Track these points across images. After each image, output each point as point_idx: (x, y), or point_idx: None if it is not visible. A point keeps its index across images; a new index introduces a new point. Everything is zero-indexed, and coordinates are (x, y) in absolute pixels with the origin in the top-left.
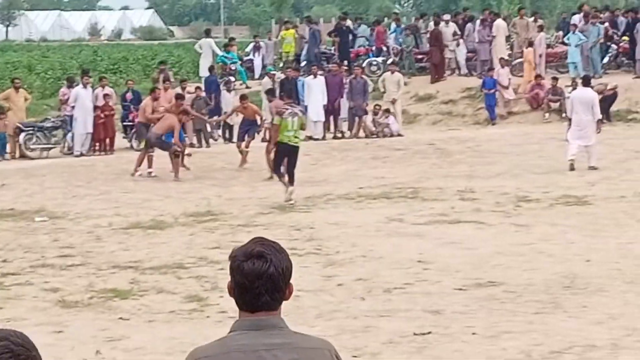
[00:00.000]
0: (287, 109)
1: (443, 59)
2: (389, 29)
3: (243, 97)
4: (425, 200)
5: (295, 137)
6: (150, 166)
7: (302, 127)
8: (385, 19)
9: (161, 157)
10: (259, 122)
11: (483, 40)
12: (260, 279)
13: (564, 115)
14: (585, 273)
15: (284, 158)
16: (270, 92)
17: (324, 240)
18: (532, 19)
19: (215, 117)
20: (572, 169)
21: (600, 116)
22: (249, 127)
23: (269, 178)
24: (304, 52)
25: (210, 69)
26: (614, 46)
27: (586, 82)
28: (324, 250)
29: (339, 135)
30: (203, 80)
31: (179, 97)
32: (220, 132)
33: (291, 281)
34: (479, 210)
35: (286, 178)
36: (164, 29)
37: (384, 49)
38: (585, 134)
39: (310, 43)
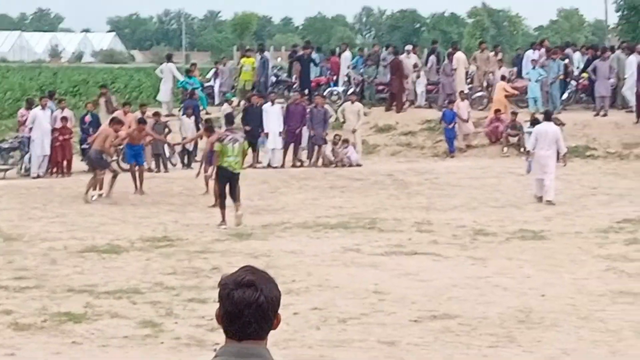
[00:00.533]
0: (227, 135)
1: (402, 89)
2: (351, 60)
3: (207, 122)
4: (382, 231)
5: (236, 163)
6: (101, 188)
7: (244, 153)
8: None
9: (124, 181)
10: None
11: (448, 73)
12: (249, 308)
13: (522, 149)
14: (540, 308)
15: (225, 183)
16: (228, 117)
17: (280, 268)
18: (493, 52)
19: (176, 142)
20: (539, 201)
21: (566, 150)
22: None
23: (213, 205)
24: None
25: (192, 93)
26: (573, 82)
27: (547, 117)
28: (280, 279)
29: (298, 164)
30: (183, 105)
31: (142, 121)
32: (178, 157)
33: (279, 311)
34: (435, 242)
35: (225, 210)
36: (125, 52)
37: (345, 78)
38: (546, 168)
39: (258, 72)
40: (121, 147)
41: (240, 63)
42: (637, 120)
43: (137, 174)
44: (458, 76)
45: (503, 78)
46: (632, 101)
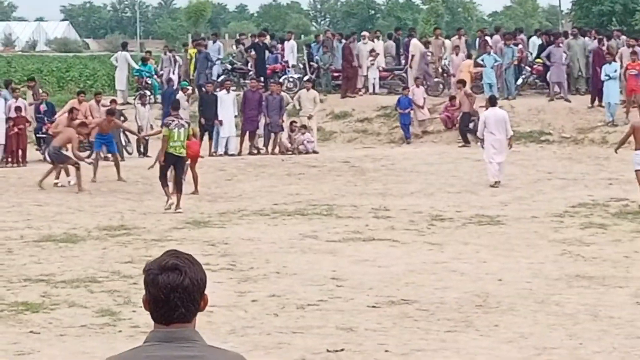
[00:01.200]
0: (173, 120)
1: (355, 75)
2: (310, 47)
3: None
4: (339, 217)
5: (182, 147)
6: (57, 177)
7: (189, 138)
8: (302, 36)
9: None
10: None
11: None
12: (175, 292)
13: (477, 135)
14: (497, 292)
15: (169, 167)
16: (174, 103)
17: (238, 256)
18: (454, 37)
19: (143, 133)
20: (495, 186)
21: (512, 133)
22: None
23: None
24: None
25: (168, 81)
26: (527, 68)
27: (494, 102)
28: (238, 266)
29: (255, 151)
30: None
31: (110, 112)
32: (135, 145)
33: (206, 292)
34: (392, 228)
35: (169, 189)
36: (79, 41)
37: (300, 65)
38: (500, 152)
39: (200, 66)
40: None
41: (189, 54)
42: (591, 105)
43: (114, 163)
44: (414, 62)
45: (469, 57)
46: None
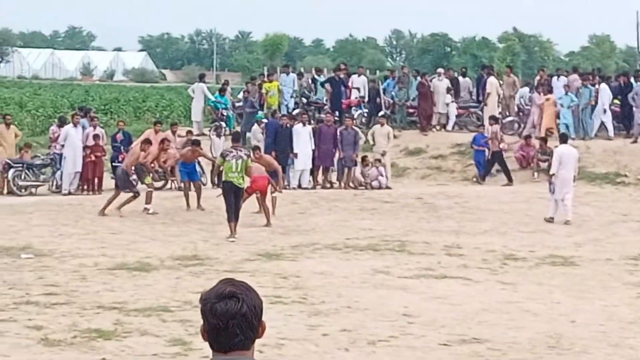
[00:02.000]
0: (231, 151)
1: (431, 112)
2: (382, 82)
3: (255, 148)
4: (412, 253)
5: (241, 178)
6: (148, 202)
7: (247, 170)
8: (377, 71)
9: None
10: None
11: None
12: (234, 319)
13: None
14: (570, 334)
15: (231, 196)
16: (234, 135)
17: (309, 289)
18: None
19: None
20: (551, 222)
21: (577, 172)
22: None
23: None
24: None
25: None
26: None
27: (565, 139)
28: (310, 300)
29: (328, 185)
30: (265, 124)
31: (195, 142)
32: (209, 176)
33: (268, 323)
34: (465, 266)
35: (232, 223)
36: (156, 71)
37: (377, 101)
38: (568, 189)
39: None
40: (157, 167)
41: (264, 89)
42: None
43: (195, 191)
44: (490, 101)
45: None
46: None
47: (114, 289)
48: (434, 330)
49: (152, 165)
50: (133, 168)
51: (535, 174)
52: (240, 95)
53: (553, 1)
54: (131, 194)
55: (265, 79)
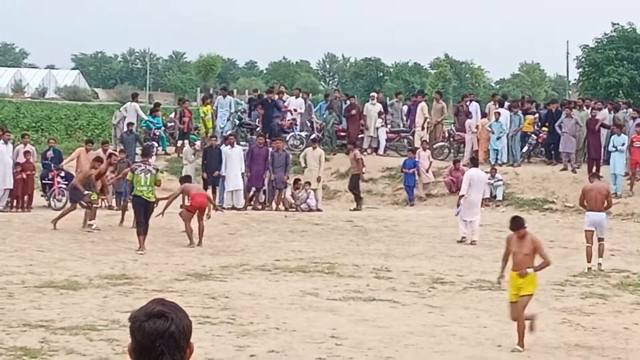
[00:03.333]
0: (140, 165)
1: (356, 134)
2: (314, 105)
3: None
4: (341, 276)
5: (149, 192)
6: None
7: (157, 183)
8: (310, 95)
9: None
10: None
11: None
12: (161, 338)
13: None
14: (496, 358)
15: (143, 211)
16: (144, 149)
17: (238, 310)
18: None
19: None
20: (462, 242)
21: (487, 194)
22: None
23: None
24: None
25: (129, 124)
26: (533, 136)
27: (475, 163)
28: (238, 320)
29: (259, 206)
30: (119, 137)
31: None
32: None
33: (196, 343)
34: (393, 289)
35: (142, 236)
36: (89, 90)
37: (308, 123)
38: (476, 210)
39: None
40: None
41: (202, 112)
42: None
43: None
44: (420, 125)
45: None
46: None
47: (41, 307)
48: (361, 353)
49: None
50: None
51: None
52: (172, 116)
53: (485, 29)
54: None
55: (208, 100)
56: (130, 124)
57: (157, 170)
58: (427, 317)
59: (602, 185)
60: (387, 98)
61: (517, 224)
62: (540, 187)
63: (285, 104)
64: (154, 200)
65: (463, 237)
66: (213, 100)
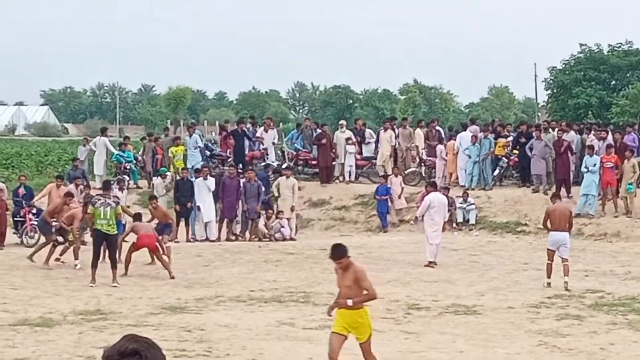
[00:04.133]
0: (99, 199)
1: (328, 162)
2: (285, 134)
3: (151, 198)
4: (316, 305)
5: (109, 225)
6: (62, 254)
7: (117, 217)
8: (281, 124)
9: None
10: (170, 222)
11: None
12: None
13: (454, 225)
14: None
15: (100, 244)
16: (104, 184)
17: (214, 342)
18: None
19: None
20: (432, 267)
21: (447, 217)
22: (164, 227)
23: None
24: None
25: (75, 159)
26: (504, 159)
27: (436, 186)
28: (214, 352)
29: (232, 237)
30: (67, 174)
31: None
32: None
33: None
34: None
35: (94, 269)
36: (58, 125)
37: (279, 153)
38: (438, 233)
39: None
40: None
41: (171, 152)
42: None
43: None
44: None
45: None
46: None
47: (15, 345)
48: None
49: (54, 219)
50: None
51: None
52: (140, 153)
53: (453, 53)
54: (50, 243)
55: (177, 141)
56: (76, 159)
57: (117, 203)
58: (403, 343)
59: (565, 206)
60: (364, 125)
61: (335, 253)
62: (513, 209)
63: (258, 134)
64: (115, 233)
65: (433, 262)
66: (183, 140)
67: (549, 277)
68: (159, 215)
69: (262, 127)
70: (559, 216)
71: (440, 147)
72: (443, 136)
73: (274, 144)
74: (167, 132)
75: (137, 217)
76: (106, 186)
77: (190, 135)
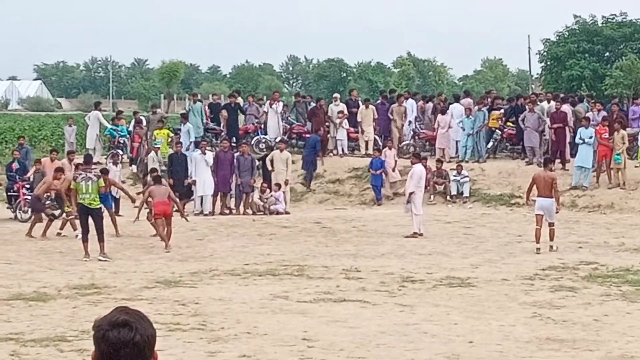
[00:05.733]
0: (80, 173)
1: (326, 137)
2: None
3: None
4: (310, 278)
5: (94, 200)
6: (62, 227)
7: (99, 190)
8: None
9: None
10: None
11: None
12: (126, 348)
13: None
14: (468, 354)
15: (86, 219)
16: (85, 157)
17: (208, 315)
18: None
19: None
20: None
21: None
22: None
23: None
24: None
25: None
26: (498, 131)
27: (419, 157)
28: (209, 326)
29: (227, 211)
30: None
31: (104, 171)
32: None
33: (167, 350)
34: (364, 289)
35: (87, 243)
36: (52, 100)
37: (287, 126)
38: (419, 204)
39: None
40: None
41: (153, 135)
42: (562, 168)
43: (110, 218)
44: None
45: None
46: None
47: (10, 319)
48: (333, 354)
49: (48, 194)
50: (48, 195)
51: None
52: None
53: (446, 26)
54: (48, 219)
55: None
56: (21, 137)
57: (99, 177)
58: (397, 316)
59: (550, 174)
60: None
61: None
62: (507, 182)
63: (265, 109)
64: (98, 206)
65: (419, 232)
66: (167, 123)
67: (537, 242)
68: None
69: (268, 102)
70: (544, 183)
71: (445, 118)
72: (414, 109)
73: (285, 116)
74: (154, 109)
75: (157, 179)
76: (87, 160)
77: (195, 102)
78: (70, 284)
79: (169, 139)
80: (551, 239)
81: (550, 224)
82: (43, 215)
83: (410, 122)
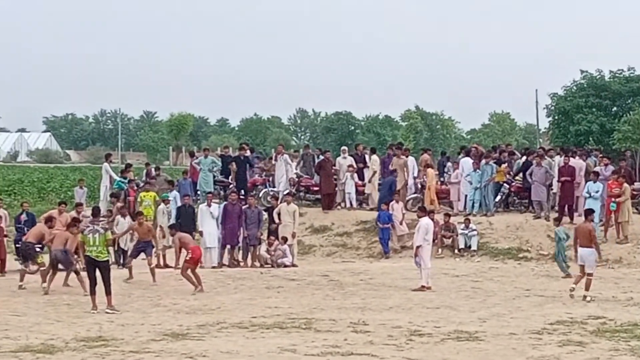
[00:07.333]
0: (88, 226)
1: (331, 189)
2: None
3: (139, 213)
4: (318, 331)
5: (101, 252)
6: (21, 280)
7: (107, 242)
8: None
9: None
10: (153, 242)
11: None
12: None
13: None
14: None
15: (94, 271)
16: (93, 210)
17: None
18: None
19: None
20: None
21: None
22: (146, 245)
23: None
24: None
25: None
26: (506, 185)
27: (426, 211)
28: None
29: (234, 263)
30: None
31: (139, 213)
32: (113, 257)
33: None
34: (371, 342)
35: (94, 296)
36: (61, 152)
37: (295, 178)
38: (428, 258)
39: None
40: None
41: (139, 198)
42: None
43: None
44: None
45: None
46: None
47: None
48: None
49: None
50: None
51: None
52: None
53: (454, 80)
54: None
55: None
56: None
57: (106, 229)
58: None
59: (587, 225)
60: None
61: None
62: (515, 235)
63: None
64: (106, 259)
65: (423, 286)
66: (154, 185)
67: (576, 284)
68: (143, 231)
69: (274, 154)
70: (582, 233)
71: (456, 172)
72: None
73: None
74: (158, 172)
75: (176, 227)
76: (95, 212)
77: (206, 157)
78: (78, 336)
79: (156, 202)
80: (587, 289)
81: (589, 274)
82: (32, 266)
83: (414, 177)
